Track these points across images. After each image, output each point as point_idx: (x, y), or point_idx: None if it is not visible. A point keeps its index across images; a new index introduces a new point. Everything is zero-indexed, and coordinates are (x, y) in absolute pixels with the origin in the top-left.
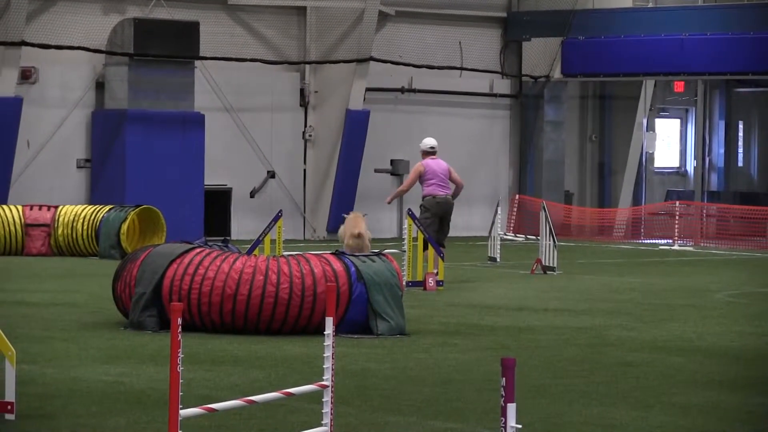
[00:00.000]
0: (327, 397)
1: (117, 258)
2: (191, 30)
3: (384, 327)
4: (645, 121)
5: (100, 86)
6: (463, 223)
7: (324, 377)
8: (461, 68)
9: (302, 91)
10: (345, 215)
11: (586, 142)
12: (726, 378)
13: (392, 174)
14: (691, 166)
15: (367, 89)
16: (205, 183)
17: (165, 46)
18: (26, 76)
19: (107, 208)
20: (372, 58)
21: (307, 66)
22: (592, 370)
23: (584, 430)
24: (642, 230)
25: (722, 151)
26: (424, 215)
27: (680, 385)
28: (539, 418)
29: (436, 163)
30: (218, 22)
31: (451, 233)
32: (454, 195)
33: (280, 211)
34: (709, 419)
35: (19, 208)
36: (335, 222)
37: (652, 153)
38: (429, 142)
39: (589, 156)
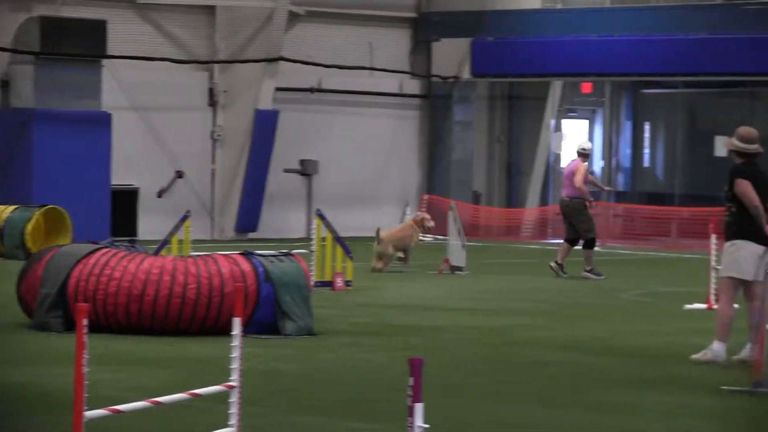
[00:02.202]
0: (234, 398)
1: (22, 258)
2: (99, 28)
3: (292, 327)
4: (553, 122)
5: (5, 85)
6: (371, 223)
7: (231, 378)
8: (371, 68)
9: (211, 90)
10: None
11: (494, 143)
12: (634, 376)
13: (301, 174)
14: (598, 166)
15: (277, 89)
16: (113, 183)
17: (72, 45)
18: None
19: (12, 207)
20: (281, 58)
21: (216, 65)
22: (502, 370)
23: (493, 429)
24: (549, 230)
25: (629, 151)
26: None
27: (591, 384)
28: (448, 418)
29: (569, 165)
30: (127, 20)
31: (359, 233)
32: (577, 196)
33: (188, 211)
34: (621, 418)
35: None
36: (243, 222)
37: (560, 153)
38: (579, 144)
39: (497, 156)
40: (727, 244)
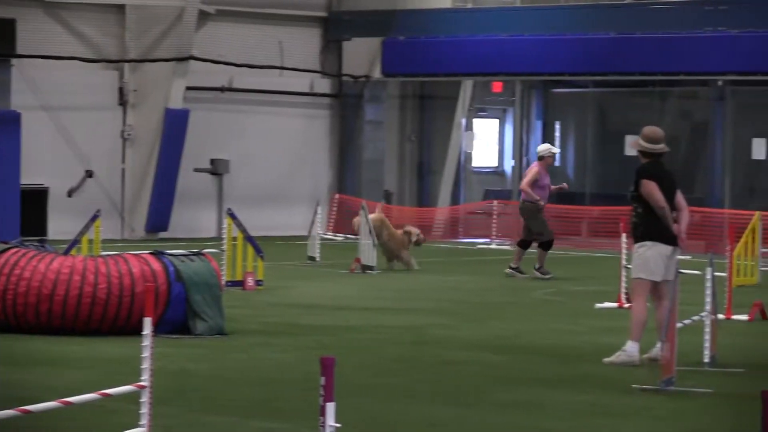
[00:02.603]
0: (145, 398)
1: None
2: (8, 27)
3: (203, 327)
4: (464, 121)
5: None
6: (283, 222)
7: (142, 378)
8: (281, 68)
9: (121, 89)
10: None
11: (405, 142)
12: (545, 375)
13: (212, 173)
14: (509, 165)
15: (187, 88)
16: (22, 182)
17: None
18: None
19: None
20: (192, 57)
21: (126, 64)
22: (413, 369)
23: (405, 429)
24: (460, 229)
25: None
26: None
27: (500, 383)
28: (360, 417)
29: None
30: (36, 19)
31: (270, 232)
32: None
33: (98, 210)
34: (530, 416)
35: None
36: (154, 221)
37: (471, 153)
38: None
39: (408, 155)
40: (636, 245)
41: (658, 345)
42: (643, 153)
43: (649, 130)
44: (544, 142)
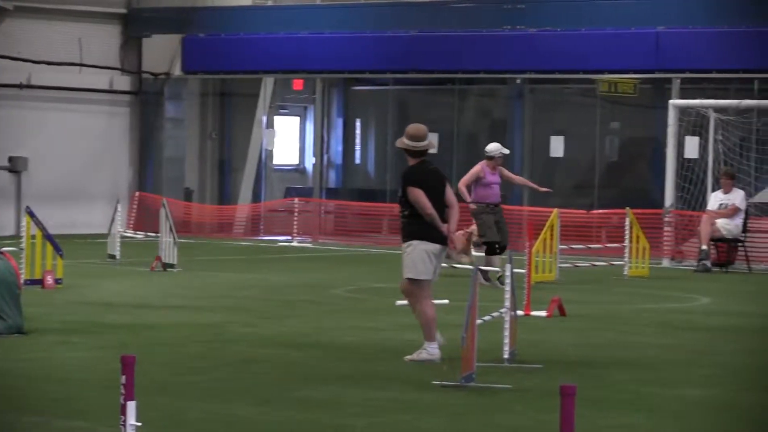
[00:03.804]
0: None
1: None
2: None
3: (2, 326)
4: (265, 119)
5: None
6: (82, 220)
7: None
8: (81, 65)
9: None
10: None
11: (206, 140)
12: (346, 372)
13: (10, 171)
14: (309, 163)
15: None
16: None
17: None
18: None
19: None
20: None
21: None
22: (214, 367)
23: (205, 426)
24: (261, 227)
25: (340, 148)
26: None
27: (299, 380)
28: (161, 416)
29: None
30: None
31: (70, 230)
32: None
33: None
34: (327, 413)
35: None
36: None
37: (272, 150)
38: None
39: (209, 153)
40: (404, 245)
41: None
42: (408, 151)
43: (412, 128)
44: (345, 140)
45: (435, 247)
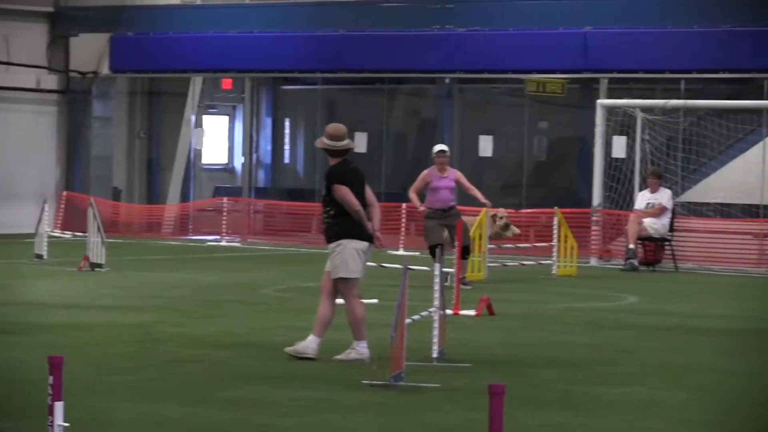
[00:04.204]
0: None
1: None
2: None
3: None
4: (193, 118)
5: None
6: (9, 220)
7: None
8: (7, 63)
9: None
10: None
11: (135, 139)
12: (275, 372)
13: None
14: (238, 162)
15: None
16: None
17: None
18: None
19: None
20: None
21: None
22: (142, 367)
23: (134, 426)
24: (190, 226)
25: (269, 147)
26: None
27: (228, 380)
28: (89, 416)
29: None
30: None
31: None
32: None
33: None
34: (256, 413)
35: None
36: None
37: (201, 149)
38: None
39: (137, 152)
40: (333, 245)
41: (361, 344)
42: (328, 151)
43: (332, 127)
44: (274, 139)
45: (364, 245)
